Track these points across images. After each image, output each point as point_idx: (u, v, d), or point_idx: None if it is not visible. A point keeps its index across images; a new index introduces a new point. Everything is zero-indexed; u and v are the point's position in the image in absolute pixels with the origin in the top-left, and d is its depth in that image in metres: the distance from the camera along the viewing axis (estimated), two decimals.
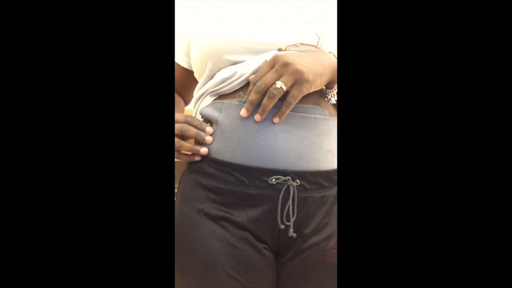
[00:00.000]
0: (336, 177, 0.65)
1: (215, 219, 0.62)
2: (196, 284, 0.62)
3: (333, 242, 0.64)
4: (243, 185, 0.61)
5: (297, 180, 0.60)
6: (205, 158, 0.65)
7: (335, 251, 0.64)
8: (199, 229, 0.62)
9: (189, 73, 0.76)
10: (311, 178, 0.62)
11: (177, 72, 0.78)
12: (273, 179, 0.60)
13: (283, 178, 0.60)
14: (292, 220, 0.60)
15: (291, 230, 0.60)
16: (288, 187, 0.60)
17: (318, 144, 0.61)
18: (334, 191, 0.65)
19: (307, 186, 0.62)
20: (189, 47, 0.71)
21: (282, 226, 0.60)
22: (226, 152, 0.62)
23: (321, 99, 0.64)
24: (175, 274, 0.64)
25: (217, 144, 0.64)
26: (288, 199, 0.60)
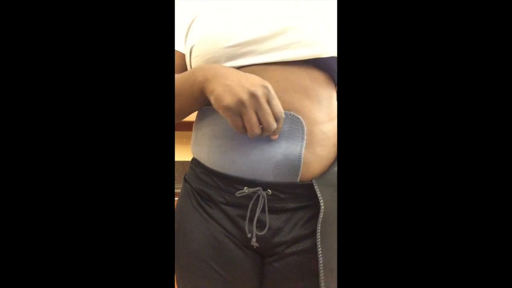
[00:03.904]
0: (314, 191, 0.63)
1: (201, 214, 0.66)
2: (184, 274, 0.66)
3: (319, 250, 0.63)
4: (219, 189, 0.64)
5: (269, 190, 0.61)
6: (195, 162, 0.70)
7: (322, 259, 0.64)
8: (188, 222, 0.67)
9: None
10: (285, 189, 0.62)
11: (181, 59, 0.78)
12: (245, 188, 0.61)
13: (253, 189, 0.61)
14: (264, 231, 0.61)
15: (254, 240, 0.62)
16: (258, 197, 0.61)
17: (297, 156, 0.60)
18: (317, 201, 0.62)
19: (282, 196, 0.62)
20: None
21: (249, 235, 0.62)
22: (205, 157, 0.66)
23: (303, 101, 0.62)
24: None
25: (199, 147, 0.68)
26: (258, 208, 0.61)
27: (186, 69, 0.78)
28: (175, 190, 1.51)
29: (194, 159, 0.71)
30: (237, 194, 0.61)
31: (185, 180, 0.73)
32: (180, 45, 0.76)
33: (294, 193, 0.62)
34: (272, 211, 0.62)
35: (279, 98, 0.59)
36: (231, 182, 0.62)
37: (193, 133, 0.72)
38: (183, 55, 0.76)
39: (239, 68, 0.62)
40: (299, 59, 0.61)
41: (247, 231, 0.61)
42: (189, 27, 0.68)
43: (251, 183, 0.61)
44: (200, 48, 0.64)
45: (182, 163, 2.31)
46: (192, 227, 0.65)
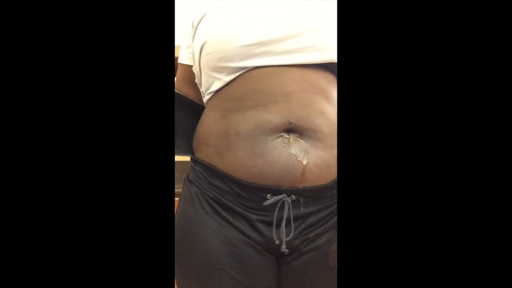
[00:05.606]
0: (335, 189, 0.63)
1: (217, 220, 0.63)
2: (197, 284, 0.63)
3: (336, 245, 0.63)
4: (240, 197, 0.62)
5: (293, 196, 0.60)
6: (204, 165, 0.65)
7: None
8: (201, 229, 0.63)
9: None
10: (308, 193, 0.61)
11: (186, 71, 0.77)
12: (269, 196, 0.60)
13: (279, 196, 0.59)
14: (289, 236, 0.60)
15: (284, 246, 0.60)
16: (283, 204, 0.60)
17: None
18: (336, 199, 0.64)
19: (304, 200, 0.61)
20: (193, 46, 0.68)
21: (277, 242, 0.60)
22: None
23: (322, 105, 0.61)
24: (176, 275, 0.65)
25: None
26: (283, 214, 0.60)
27: (188, 81, 0.77)
28: (175, 190, 1.50)
29: (198, 162, 0.67)
30: (265, 203, 0.59)
31: (190, 182, 0.68)
32: (183, 57, 0.75)
33: (317, 197, 0.62)
34: (296, 215, 0.61)
35: (302, 97, 0.59)
36: (254, 190, 0.60)
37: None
38: (185, 66, 0.75)
39: (253, 68, 0.60)
40: (315, 62, 0.61)
41: (274, 238, 0.60)
42: (198, 25, 0.65)
43: (275, 190, 0.60)
44: (213, 46, 0.62)
45: (182, 163, 2.31)
46: (207, 234, 0.62)
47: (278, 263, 0.65)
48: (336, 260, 0.63)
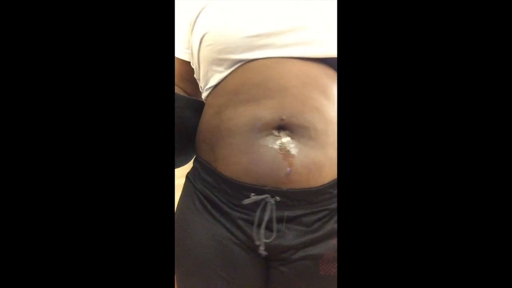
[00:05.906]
0: (327, 193, 0.61)
1: (206, 217, 0.63)
2: (186, 279, 0.64)
3: (328, 255, 0.61)
4: (227, 194, 0.61)
5: (277, 197, 0.58)
6: (200, 162, 0.66)
7: (330, 264, 0.62)
8: (191, 225, 0.64)
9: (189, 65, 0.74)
10: (293, 196, 0.59)
11: (181, 65, 0.76)
12: (252, 195, 0.59)
13: (261, 196, 0.58)
14: (270, 239, 0.59)
15: (262, 248, 0.59)
16: (266, 204, 0.58)
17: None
18: (328, 205, 0.61)
19: (290, 203, 0.59)
20: (190, 40, 0.67)
21: (258, 243, 0.59)
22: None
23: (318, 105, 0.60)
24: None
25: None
26: (265, 215, 0.58)
27: (186, 77, 0.76)
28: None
29: (196, 159, 0.69)
30: (244, 202, 0.58)
31: (187, 178, 0.70)
32: (180, 51, 0.74)
33: (305, 200, 0.60)
34: (281, 218, 0.59)
35: (298, 93, 0.58)
36: (240, 189, 0.60)
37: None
38: (182, 62, 0.74)
39: (253, 60, 0.59)
40: (318, 56, 0.59)
41: (255, 238, 0.59)
42: (197, 17, 0.64)
43: (259, 190, 0.58)
44: (214, 37, 0.61)
45: None
46: (195, 230, 0.63)
47: (267, 265, 0.64)
48: (326, 270, 0.62)
